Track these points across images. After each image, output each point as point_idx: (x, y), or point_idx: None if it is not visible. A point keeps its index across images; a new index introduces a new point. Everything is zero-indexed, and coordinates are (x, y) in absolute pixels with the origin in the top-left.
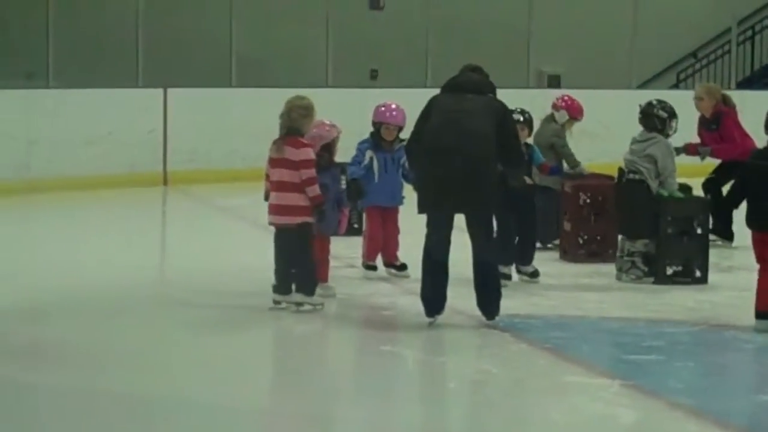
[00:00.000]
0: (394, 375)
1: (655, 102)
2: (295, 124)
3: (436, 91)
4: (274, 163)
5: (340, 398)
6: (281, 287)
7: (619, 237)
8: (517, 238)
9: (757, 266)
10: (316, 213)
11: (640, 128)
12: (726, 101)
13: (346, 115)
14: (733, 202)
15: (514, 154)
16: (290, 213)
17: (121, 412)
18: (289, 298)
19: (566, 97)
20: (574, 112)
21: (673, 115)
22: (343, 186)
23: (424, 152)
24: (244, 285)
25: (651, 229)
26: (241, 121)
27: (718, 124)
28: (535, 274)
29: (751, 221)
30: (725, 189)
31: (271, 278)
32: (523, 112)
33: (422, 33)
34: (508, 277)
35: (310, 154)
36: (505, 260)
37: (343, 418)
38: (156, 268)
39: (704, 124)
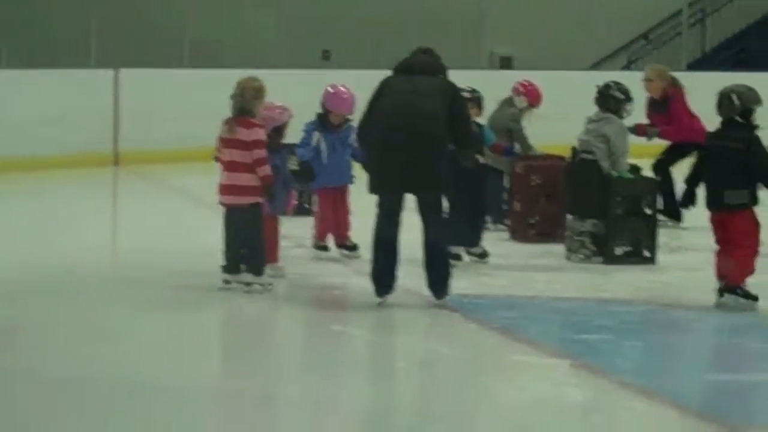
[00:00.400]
0: (344, 354)
1: (612, 83)
2: (247, 105)
3: (389, 72)
4: (225, 143)
5: (291, 377)
6: (231, 267)
7: (569, 217)
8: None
9: (712, 246)
10: (266, 193)
11: (594, 109)
12: (674, 83)
13: (299, 96)
14: (692, 183)
15: (466, 134)
16: (241, 193)
17: (71, 392)
18: (239, 278)
19: (527, 83)
20: (534, 99)
21: (628, 97)
22: (294, 167)
23: (376, 133)
24: (196, 265)
25: (601, 209)
26: (193, 101)
27: (667, 106)
28: (484, 255)
29: (709, 202)
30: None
31: (220, 259)
32: (472, 90)
33: (375, 14)
34: (459, 257)
35: (261, 134)
36: (455, 241)
37: (293, 398)
38: (108, 248)
39: (653, 106)
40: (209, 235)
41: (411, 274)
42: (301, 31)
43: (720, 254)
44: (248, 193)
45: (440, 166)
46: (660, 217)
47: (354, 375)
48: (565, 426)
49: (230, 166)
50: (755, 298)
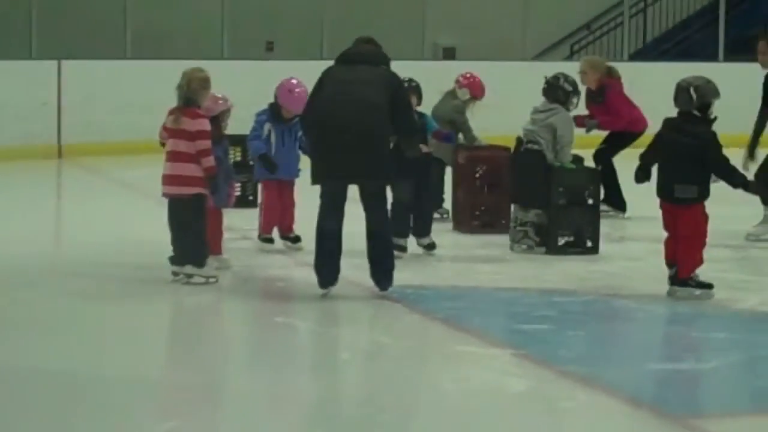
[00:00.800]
0: (287, 346)
1: (560, 75)
2: (193, 95)
3: (332, 62)
4: (170, 133)
5: (234, 369)
6: (178, 258)
7: (513, 207)
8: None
9: (654, 237)
10: (209, 184)
11: (539, 99)
12: (611, 73)
13: (242, 87)
14: (646, 160)
15: (409, 124)
16: (185, 183)
17: (14, 383)
18: (184, 270)
19: (469, 75)
20: (477, 90)
21: (576, 90)
22: (249, 160)
23: (317, 123)
24: (139, 257)
25: (544, 199)
26: (136, 93)
27: (604, 96)
28: (431, 246)
29: (659, 191)
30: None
31: (165, 251)
32: (410, 80)
33: (318, 4)
34: (404, 248)
35: (206, 125)
36: (399, 232)
37: (237, 390)
38: (51, 241)
39: (591, 97)
40: (155, 228)
41: (355, 265)
42: (244, 22)
43: (669, 240)
44: (192, 184)
45: (381, 155)
46: (603, 207)
47: (298, 367)
48: (507, 415)
49: (174, 157)
50: (710, 286)
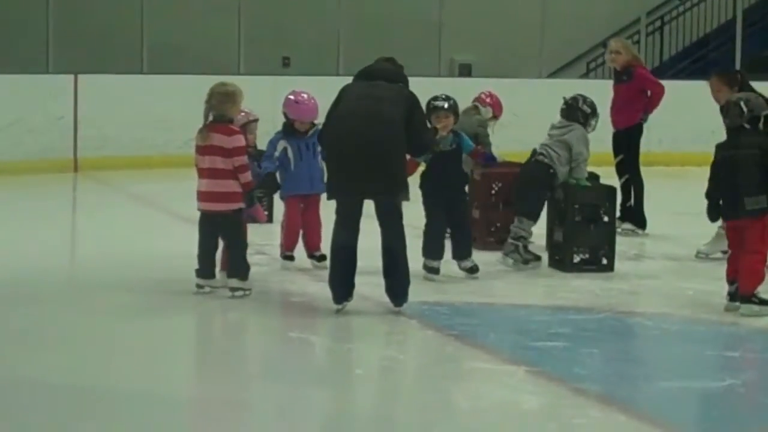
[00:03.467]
0: (301, 361)
1: (580, 97)
2: (217, 110)
3: (348, 79)
4: (202, 150)
5: (247, 384)
6: (205, 272)
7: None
8: (449, 231)
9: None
10: (247, 199)
11: (556, 116)
12: (637, 59)
13: (258, 102)
14: (713, 197)
15: (421, 144)
16: (226, 200)
17: (41, 401)
18: (213, 283)
19: (491, 94)
20: (498, 109)
21: (594, 112)
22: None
23: (333, 137)
24: (156, 271)
25: (536, 211)
26: (152, 107)
27: (630, 76)
28: (473, 270)
29: (726, 212)
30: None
31: (181, 265)
32: (447, 98)
33: (334, 20)
34: (436, 271)
35: (242, 140)
36: (432, 254)
37: (252, 405)
38: (68, 255)
39: (617, 77)
40: (170, 242)
41: (370, 281)
42: (261, 37)
43: (732, 258)
44: (233, 200)
45: (396, 172)
46: (627, 225)
47: (312, 382)
48: None
49: (212, 173)
50: None
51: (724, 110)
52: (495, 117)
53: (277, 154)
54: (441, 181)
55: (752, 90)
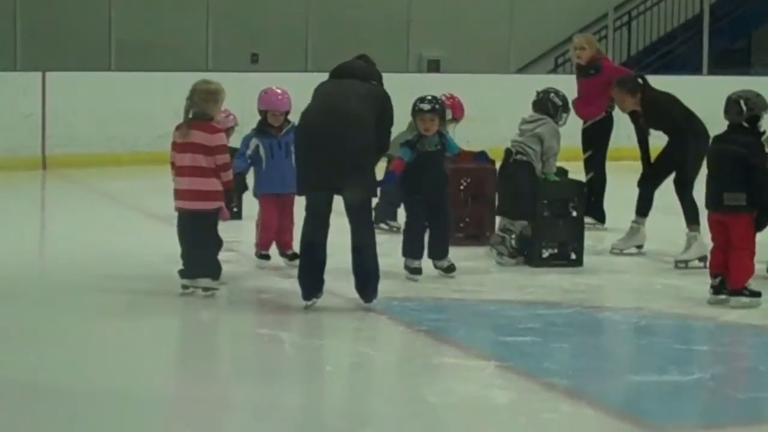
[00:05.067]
0: (270, 358)
1: (551, 90)
2: (198, 108)
3: (317, 75)
4: (181, 147)
5: (217, 381)
6: (190, 272)
7: (498, 218)
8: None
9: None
10: (227, 198)
11: (526, 110)
12: (600, 52)
13: (227, 99)
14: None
15: (382, 144)
16: (207, 198)
17: (17, 397)
18: (196, 283)
19: (452, 96)
20: (458, 111)
21: (566, 106)
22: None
23: (301, 134)
24: (126, 269)
25: (531, 210)
26: (120, 104)
27: (598, 69)
28: (450, 269)
29: (708, 203)
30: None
31: (152, 262)
32: (432, 100)
33: (302, 17)
34: (418, 271)
35: (224, 139)
36: (412, 254)
37: (223, 402)
38: (37, 253)
39: (582, 72)
40: (138, 239)
41: (340, 277)
42: (229, 34)
43: (716, 251)
44: (214, 198)
45: (364, 168)
46: (587, 219)
47: (282, 379)
48: (492, 427)
49: (193, 171)
50: (759, 294)
51: (725, 106)
52: (455, 119)
53: (249, 152)
54: (422, 181)
55: (654, 92)
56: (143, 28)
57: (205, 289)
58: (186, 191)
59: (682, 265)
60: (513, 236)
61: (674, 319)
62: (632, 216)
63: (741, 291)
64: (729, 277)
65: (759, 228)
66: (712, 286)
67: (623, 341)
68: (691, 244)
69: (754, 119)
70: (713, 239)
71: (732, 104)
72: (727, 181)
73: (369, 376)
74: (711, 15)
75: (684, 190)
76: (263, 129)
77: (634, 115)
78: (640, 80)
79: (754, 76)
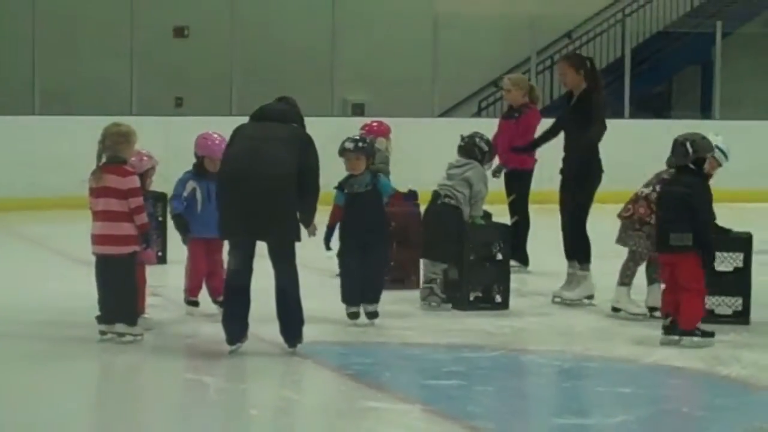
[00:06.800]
0: (196, 402)
1: (477, 134)
2: (111, 151)
3: (241, 118)
4: (96, 192)
5: (141, 426)
6: (107, 317)
7: (422, 262)
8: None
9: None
10: (143, 241)
11: (451, 155)
12: (532, 92)
13: (151, 143)
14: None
15: (310, 188)
16: (121, 242)
17: None
18: (113, 329)
19: (375, 123)
20: (387, 133)
21: (491, 150)
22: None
23: (222, 179)
24: (50, 314)
25: (455, 253)
26: (44, 149)
27: (521, 113)
28: (372, 315)
29: (657, 244)
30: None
31: (76, 307)
32: (357, 140)
33: (227, 61)
34: (356, 315)
35: (137, 182)
36: (349, 300)
37: None
38: None
39: (507, 113)
40: (62, 285)
41: (264, 321)
42: (153, 78)
43: (666, 292)
44: (128, 243)
45: (286, 213)
46: (511, 262)
47: (207, 423)
48: None
49: (106, 216)
50: (712, 334)
51: (671, 148)
52: (386, 139)
53: (185, 194)
54: (356, 224)
55: (599, 80)
56: (67, 72)
57: (120, 334)
58: (99, 236)
59: (558, 299)
60: (438, 281)
61: (597, 361)
62: (557, 259)
63: (693, 331)
64: (679, 318)
65: (703, 266)
66: (664, 327)
67: (547, 384)
68: (581, 283)
69: (700, 161)
70: (664, 280)
71: (678, 146)
72: (674, 222)
73: (294, 421)
74: (632, 59)
75: (579, 226)
76: (200, 172)
77: (569, 96)
78: (588, 62)
79: (675, 119)
